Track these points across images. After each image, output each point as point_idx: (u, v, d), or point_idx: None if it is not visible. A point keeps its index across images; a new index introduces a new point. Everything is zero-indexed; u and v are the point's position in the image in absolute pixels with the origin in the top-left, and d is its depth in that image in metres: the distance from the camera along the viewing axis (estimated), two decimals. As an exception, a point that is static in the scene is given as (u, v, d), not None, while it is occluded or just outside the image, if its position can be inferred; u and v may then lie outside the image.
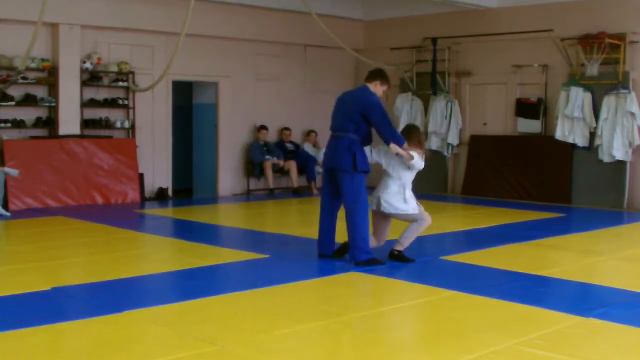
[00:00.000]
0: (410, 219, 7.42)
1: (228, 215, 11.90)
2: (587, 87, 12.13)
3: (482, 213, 11.30)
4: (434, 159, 13.94)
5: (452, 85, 14.01)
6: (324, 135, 15.04)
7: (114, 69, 12.26)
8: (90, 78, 12.08)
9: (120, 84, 12.33)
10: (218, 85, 13.74)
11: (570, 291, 6.49)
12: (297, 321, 5.26)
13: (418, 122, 14.10)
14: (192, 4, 9.98)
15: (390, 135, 7.18)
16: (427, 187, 13.97)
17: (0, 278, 6.58)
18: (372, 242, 7.41)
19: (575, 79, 12.30)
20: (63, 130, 11.74)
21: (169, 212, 11.53)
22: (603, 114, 11.96)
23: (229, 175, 13.93)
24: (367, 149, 7.37)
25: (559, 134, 12.37)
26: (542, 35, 12.42)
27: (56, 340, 4.86)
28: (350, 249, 7.29)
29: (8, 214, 10.40)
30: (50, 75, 11.68)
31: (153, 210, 11.53)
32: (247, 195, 13.85)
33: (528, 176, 12.89)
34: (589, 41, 12.04)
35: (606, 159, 12.00)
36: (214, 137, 13.86)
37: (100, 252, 7.90)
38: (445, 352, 4.70)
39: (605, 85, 11.98)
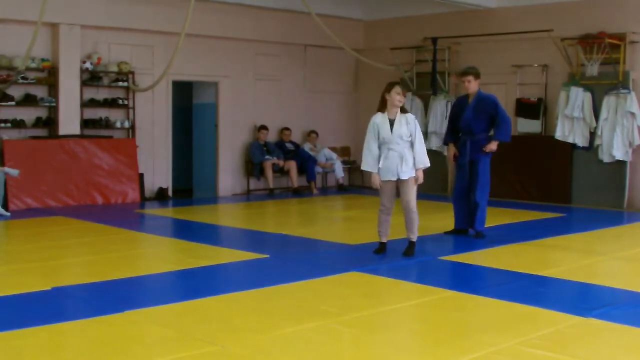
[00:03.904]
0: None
1: (228, 215, 11.89)
2: (587, 87, 12.13)
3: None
4: (434, 159, 13.90)
5: (452, 85, 14.01)
6: (324, 135, 15.13)
7: (114, 69, 12.27)
8: (90, 78, 12.09)
9: (120, 84, 12.33)
10: (218, 85, 13.75)
11: (570, 291, 6.48)
12: (297, 321, 5.26)
13: (418, 122, 14.10)
14: (192, 4, 9.99)
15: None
16: (427, 187, 13.97)
17: (0, 278, 6.58)
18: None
19: (575, 79, 12.30)
20: (63, 130, 11.74)
21: (169, 212, 11.53)
22: (603, 114, 11.96)
23: (229, 175, 13.93)
24: None
25: (559, 134, 12.37)
26: (542, 35, 12.42)
27: (56, 340, 4.85)
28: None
29: (8, 214, 10.40)
30: (50, 75, 11.69)
31: (153, 210, 11.52)
32: (247, 195, 13.85)
33: (528, 176, 12.89)
34: (589, 41, 12.04)
35: (606, 159, 12.00)
36: (214, 137, 13.86)
37: (100, 252, 7.90)
38: (445, 352, 4.70)
39: (605, 85, 11.98)
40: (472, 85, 8.81)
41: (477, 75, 8.82)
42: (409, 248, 7.72)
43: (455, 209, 9.12)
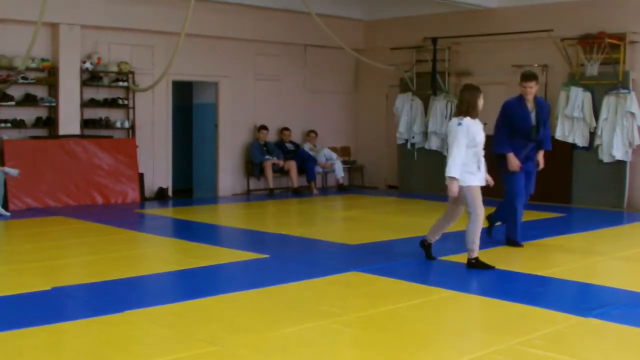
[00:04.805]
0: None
1: (228, 215, 11.90)
2: (587, 87, 12.13)
3: (482, 213, 11.26)
4: (434, 159, 13.93)
5: (452, 85, 14.01)
6: (324, 135, 15.12)
7: (114, 69, 12.27)
8: (90, 78, 12.09)
9: (120, 84, 12.33)
10: (218, 85, 13.75)
11: (570, 291, 6.48)
12: (297, 321, 5.26)
13: (418, 122, 14.13)
14: (192, 4, 9.99)
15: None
16: (427, 188, 14.00)
17: (0, 278, 6.58)
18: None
19: (575, 79, 12.29)
20: (63, 130, 11.74)
21: (169, 212, 11.53)
22: (603, 114, 11.96)
23: (229, 175, 13.93)
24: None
25: (559, 134, 12.36)
26: (542, 35, 12.42)
27: (56, 340, 4.86)
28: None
29: (8, 214, 10.40)
30: (50, 75, 11.69)
31: (153, 210, 11.53)
32: (247, 195, 13.85)
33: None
34: (589, 41, 12.04)
35: (606, 159, 12.00)
36: (214, 137, 13.86)
37: (100, 252, 7.90)
38: (445, 352, 4.70)
39: (605, 85, 11.98)
40: (534, 91, 8.28)
41: (538, 80, 8.36)
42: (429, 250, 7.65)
43: (519, 220, 8.39)
